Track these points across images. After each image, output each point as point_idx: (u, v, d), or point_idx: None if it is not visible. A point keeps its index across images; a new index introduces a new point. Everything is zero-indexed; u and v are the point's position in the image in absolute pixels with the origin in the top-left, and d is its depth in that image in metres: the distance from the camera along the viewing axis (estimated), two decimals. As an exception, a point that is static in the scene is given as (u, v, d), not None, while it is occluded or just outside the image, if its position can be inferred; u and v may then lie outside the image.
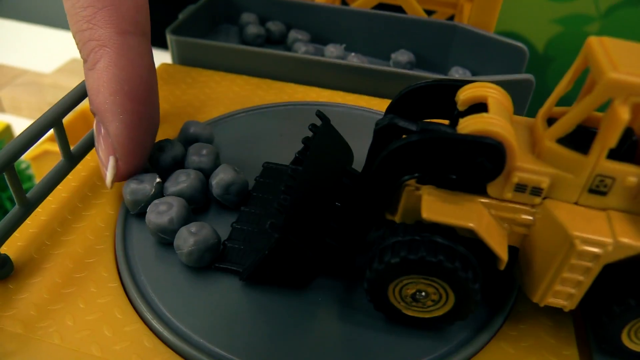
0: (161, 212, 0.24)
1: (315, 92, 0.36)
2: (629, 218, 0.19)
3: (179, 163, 0.27)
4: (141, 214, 0.26)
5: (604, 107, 0.18)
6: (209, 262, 0.23)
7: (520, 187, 0.20)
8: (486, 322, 0.22)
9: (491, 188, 0.20)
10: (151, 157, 0.27)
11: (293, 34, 0.42)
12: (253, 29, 0.41)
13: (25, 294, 0.22)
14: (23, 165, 0.50)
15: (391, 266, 0.20)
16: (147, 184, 0.25)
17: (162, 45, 0.38)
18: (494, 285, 0.23)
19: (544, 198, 0.20)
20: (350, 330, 0.22)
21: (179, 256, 0.23)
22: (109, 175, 0.25)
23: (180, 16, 0.40)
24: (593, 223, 0.19)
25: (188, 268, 0.24)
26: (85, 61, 0.24)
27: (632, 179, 0.18)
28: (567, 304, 0.20)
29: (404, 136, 0.20)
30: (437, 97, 0.22)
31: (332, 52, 0.40)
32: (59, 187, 0.27)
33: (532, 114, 0.23)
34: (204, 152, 0.27)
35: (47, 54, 0.71)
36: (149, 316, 0.21)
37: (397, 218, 0.21)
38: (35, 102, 0.65)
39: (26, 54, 0.71)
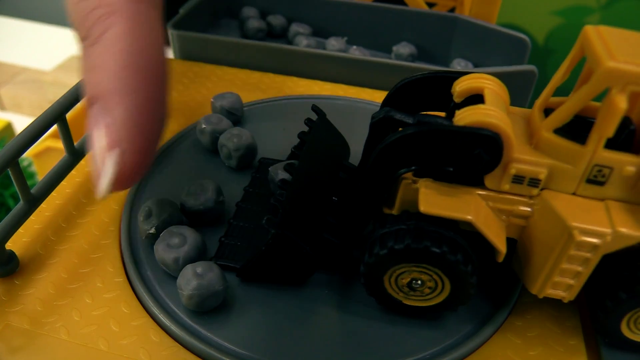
0: (170, 247, 0.22)
1: (318, 85, 0.36)
2: (628, 208, 0.19)
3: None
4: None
5: (601, 96, 0.18)
6: (211, 309, 0.22)
7: (518, 179, 0.19)
8: (492, 313, 0.22)
9: (489, 180, 0.20)
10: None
11: (294, 28, 0.42)
12: (254, 23, 0.41)
13: (32, 290, 0.22)
14: (25, 163, 0.50)
15: (381, 257, 0.20)
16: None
17: (167, 42, 0.38)
18: (499, 277, 0.23)
19: (542, 189, 0.20)
20: (354, 324, 0.22)
21: (179, 295, 0.21)
22: (107, 174, 0.19)
23: (181, 11, 0.40)
24: (591, 213, 0.19)
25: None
26: (85, 37, 0.20)
27: (630, 169, 0.18)
28: (567, 295, 0.20)
29: (400, 129, 0.20)
30: (433, 89, 0.22)
31: (334, 45, 0.40)
32: (63, 182, 0.27)
33: (535, 105, 0.23)
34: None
35: (47, 51, 0.71)
36: (155, 310, 0.22)
37: (394, 211, 0.21)
38: (36, 100, 0.65)
39: (26, 51, 0.71)
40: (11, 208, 0.50)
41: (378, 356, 0.21)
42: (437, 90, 0.22)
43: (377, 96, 0.35)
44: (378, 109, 0.22)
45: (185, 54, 0.38)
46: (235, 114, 0.31)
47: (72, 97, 0.25)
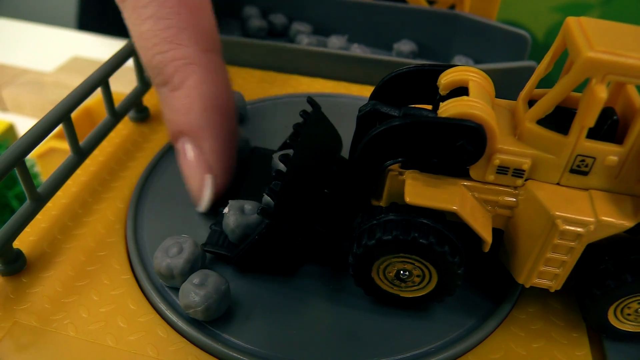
0: (167, 255, 0.22)
1: (320, 83, 0.37)
2: (611, 197, 0.19)
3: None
4: (156, 210, 0.26)
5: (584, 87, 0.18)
6: (225, 310, 0.21)
7: (502, 169, 0.20)
8: (495, 306, 0.22)
9: (474, 171, 0.20)
10: None
11: (295, 26, 0.42)
12: (255, 22, 0.41)
13: (39, 288, 0.23)
14: (28, 164, 0.51)
15: (369, 248, 0.20)
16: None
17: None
18: (502, 271, 0.23)
19: (526, 179, 0.20)
20: (351, 317, 0.22)
21: (191, 315, 0.21)
22: (206, 194, 0.24)
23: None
24: (575, 203, 0.19)
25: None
26: (166, 83, 0.24)
27: (613, 158, 0.19)
28: (553, 284, 0.21)
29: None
30: (419, 83, 0.22)
31: (335, 43, 0.40)
32: (68, 182, 0.27)
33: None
34: None
35: (48, 52, 0.71)
36: (162, 307, 0.22)
37: (382, 203, 0.22)
38: (37, 101, 0.65)
39: (27, 53, 0.71)
40: (15, 209, 0.50)
41: (383, 350, 0.21)
42: (423, 83, 0.22)
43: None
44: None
45: (188, 54, 0.39)
46: (239, 112, 0.31)
47: (77, 97, 0.26)
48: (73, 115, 0.25)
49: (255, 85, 0.36)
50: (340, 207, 0.23)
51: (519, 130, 0.20)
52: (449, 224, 0.20)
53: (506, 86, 0.25)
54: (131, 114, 0.32)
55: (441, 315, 0.22)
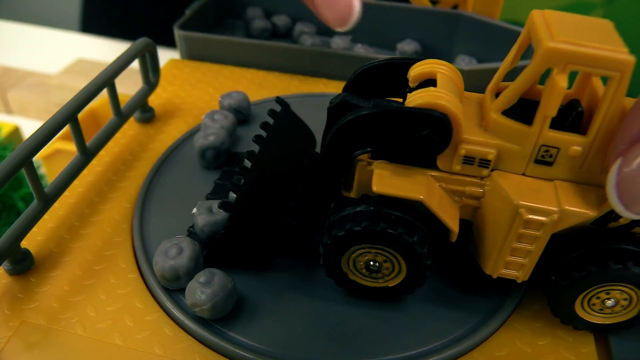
0: (168, 257, 0.22)
1: (323, 83, 0.37)
2: (575, 187, 0.19)
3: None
4: (160, 207, 0.26)
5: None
6: (231, 308, 0.22)
7: (468, 160, 0.20)
8: (500, 304, 0.22)
9: (441, 161, 0.20)
10: None
11: (299, 27, 0.42)
12: (259, 23, 0.42)
13: (47, 287, 0.23)
14: (34, 165, 0.51)
15: (339, 239, 0.20)
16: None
17: (171, 43, 0.39)
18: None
19: (492, 170, 0.20)
20: (366, 317, 0.22)
21: (198, 314, 0.21)
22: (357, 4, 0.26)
23: (187, 12, 0.40)
24: (539, 193, 0.19)
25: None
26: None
27: (576, 148, 0.19)
28: (520, 275, 0.21)
29: None
30: (390, 76, 0.22)
31: (339, 43, 0.40)
32: (75, 182, 0.27)
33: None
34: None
35: (53, 55, 0.71)
36: (169, 305, 0.22)
37: (353, 194, 0.22)
38: (42, 103, 0.65)
39: (32, 55, 0.72)
40: (21, 210, 0.50)
41: (389, 348, 0.21)
42: (394, 76, 0.22)
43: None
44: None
45: (192, 55, 0.39)
46: (243, 112, 0.32)
47: (84, 98, 0.26)
48: (78, 117, 0.26)
49: (259, 85, 0.36)
50: (311, 198, 0.23)
51: (485, 121, 0.20)
52: (420, 216, 0.20)
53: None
54: (137, 114, 0.32)
55: (446, 313, 0.22)
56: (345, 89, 0.23)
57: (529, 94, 0.20)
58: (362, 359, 0.20)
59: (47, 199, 0.24)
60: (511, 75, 0.22)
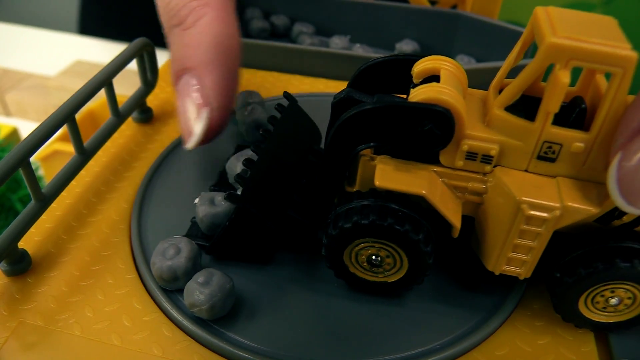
0: (166, 258, 0.22)
1: (323, 83, 0.37)
2: (578, 184, 0.19)
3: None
4: (158, 205, 0.26)
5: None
6: (230, 309, 0.21)
7: (471, 155, 0.20)
8: (500, 303, 0.22)
9: (443, 156, 0.20)
10: None
11: (297, 27, 0.42)
12: (258, 23, 0.42)
13: (44, 287, 0.23)
14: (32, 167, 0.51)
15: (345, 230, 0.20)
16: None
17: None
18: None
19: (495, 166, 0.20)
20: (365, 317, 0.22)
21: (196, 314, 0.21)
22: (199, 127, 0.24)
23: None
24: (542, 189, 0.19)
25: (203, 258, 0.24)
26: (179, 24, 0.25)
27: (579, 145, 0.19)
28: (522, 272, 0.21)
29: None
30: (394, 73, 0.23)
31: (337, 43, 0.40)
32: (72, 182, 0.27)
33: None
34: None
35: (51, 57, 0.71)
36: (167, 306, 0.22)
37: (355, 189, 0.22)
38: (41, 105, 0.65)
39: (30, 57, 0.71)
40: (19, 212, 0.50)
41: (389, 347, 0.21)
42: (398, 73, 0.22)
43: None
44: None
45: (190, 55, 0.39)
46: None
47: (81, 98, 0.26)
48: (77, 118, 0.25)
49: (257, 85, 0.36)
50: (315, 193, 0.23)
51: (488, 117, 0.20)
52: (414, 205, 0.20)
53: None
54: (135, 115, 0.32)
55: (446, 312, 0.22)
56: (349, 85, 0.23)
57: (532, 91, 0.20)
58: (363, 357, 0.20)
59: (45, 200, 0.24)
60: (513, 73, 0.22)
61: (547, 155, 0.19)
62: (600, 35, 0.17)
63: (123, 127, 0.31)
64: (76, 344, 0.21)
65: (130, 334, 0.21)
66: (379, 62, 0.22)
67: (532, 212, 0.19)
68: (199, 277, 0.21)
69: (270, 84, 0.36)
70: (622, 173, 0.17)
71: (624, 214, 0.19)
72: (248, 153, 0.26)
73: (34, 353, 0.21)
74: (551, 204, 0.19)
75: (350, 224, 0.20)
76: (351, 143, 0.21)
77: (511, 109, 0.20)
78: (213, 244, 0.23)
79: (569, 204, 0.19)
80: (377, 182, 0.20)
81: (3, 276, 0.23)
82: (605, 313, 0.21)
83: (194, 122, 0.24)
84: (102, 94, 0.28)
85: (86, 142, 0.27)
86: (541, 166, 0.20)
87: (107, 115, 0.29)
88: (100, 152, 0.29)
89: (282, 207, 0.23)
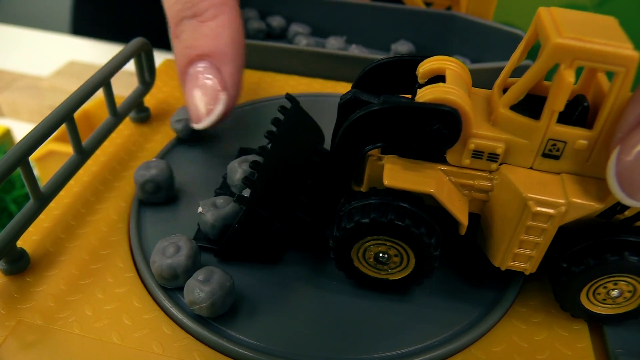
0: (166, 256, 0.22)
1: (319, 83, 0.37)
2: (582, 180, 0.20)
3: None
4: (155, 206, 0.26)
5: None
6: (230, 307, 0.21)
7: (477, 154, 0.20)
8: (497, 300, 0.23)
9: (450, 155, 0.21)
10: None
11: (294, 28, 0.42)
12: (254, 24, 0.42)
13: (43, 286, 0.23)
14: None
15: (348, 231, 0.21)
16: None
17: (162, 45, 0.39)
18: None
19: (501, 164, 0.21)
20: (363, 314, 0.22)
21: (196, 312, 0.21)
22: (218, 109, 0.26)
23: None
24: (547, 186, 0.20)
25: (202, 256, 0.24)
26: (196, 15, 0.27)
27: (582, 142, 0.19)
28: (528, 267, 0.21)
29: None
30: (399, 73, 0.23)
31: (333, 44, 0.40)
32: (70, 182, 0.27)
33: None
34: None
35: (44, 57, 0.71)
36: (167, 304, 0.22)
37: (363, 188, 0.22)
38: (34, 106, 0.65)
39: (23, 58, 0.71)
40: (13, 213, 0.50)
41: (390, 343, 0.21)
42: (403, 73, 0.23)
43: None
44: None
45: (187, 55, 0.39)
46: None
47: (80, 97, 0.26)
48: (77, 114, 0.25)
49: (255, 85, 0.36)
50: (321, 193, 0.23)
51: (494, 116, 0.20)
52: (427, 208, 0.21)
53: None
54: (132, 114, 0.32)
55: (446, 307, 0.22)
56: (354, 86, 0.23)
57: (535, 90, 0.21)
58: (363, 354, 0.20)
59: (43, 198, 0.24)
60: (515, 72, 0.22)
61: (551, 152, 0.20)
62: (603, 35, 0.18)
63: (121, 126, 0.31)
64: (76, 343, 0.21)
65: (130, 332, 0.21)
66: (383, 63, 0.23)
67: (539, 209, 0.19)
68: (199, 274, 0.21)
69: (267, 84, 0.37)
70: (621, 167, 0.18)
71: (626, 208, 0.20)
72: (249, 158, 0.26)
73: (33, 352, 0.20)
74: (557, 200, 0.19)
75: (353, 224, 0.20)
76: (359, 143, 0.21)
77: (515, 107, 0.20)
78: (222, 246, 0.23)
79: (574, 200, 0.19)
80: (386, 182, 0.20)
81: (1, 275, 0.23)
82: (605, 305, 0.21)
83: (211, 105, 0.26)
84: (97, 93, 0.28)
85: (84, 141, 0.27)
86: (546, 163, 0.20)
87: (102, 115, 0.29)
88: (98, 152, 0.29)
89: (289, 208, 0.23)
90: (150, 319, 0.22)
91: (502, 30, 0.38)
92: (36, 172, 0.48)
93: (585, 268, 0.20)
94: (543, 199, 0.19)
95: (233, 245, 0.23)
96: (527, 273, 0.21)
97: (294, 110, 0.26)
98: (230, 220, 0.24)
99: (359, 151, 0.21)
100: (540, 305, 0.23)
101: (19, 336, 0.21)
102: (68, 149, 0.44)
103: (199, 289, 0.21)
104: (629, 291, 0.21)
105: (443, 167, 0.21)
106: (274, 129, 0.24)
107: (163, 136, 0.32)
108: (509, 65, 0.21)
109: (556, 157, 0.20)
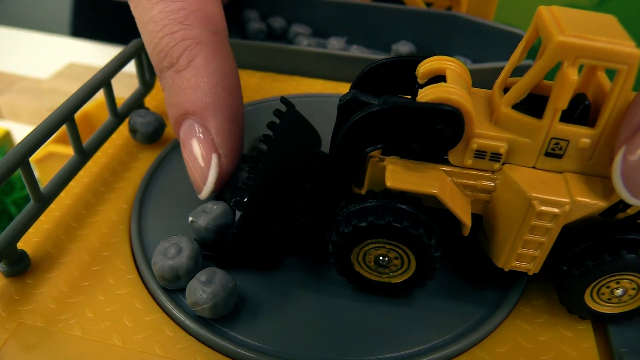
0: (167, 257, 0.22)
1: (320, 84, 0.37)
2: (585, 179, 0.20)
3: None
4: (160, 205, 0.26)
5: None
6: (232, 308, 0.21)
7: (480, 154, 0.20)
8: (501, 301, 0.23)
9: (452, 156, 0.21)
10: None
11: (294, 29, 0.42)
12: (255, 25, 0.42)
13: (44, 288, 0.23)
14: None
15: (347, 235, 0.20)
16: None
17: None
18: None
19: (503, 163, 0.20)
20: (365, 315, 0.22)
21: (198, 313, 0.21)
22: (212, 175, 0.23)
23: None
24: (551, 185, 0.20)
25: (209, 254, 0.24)
26: (171, 65, 0.24)
27: (585, 140, 0.19)
28: (531, 267, 0.21)
29: None
30: (399, 73, 0.23)
31: (334, 45, 0.40)
32: (71, 183, 0.27)
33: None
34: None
35: (44, 59, 0.71)
36: (169, 305, 0.22)
37: (364, 191, 0.22)
38: (34, 108, 0.65)
39: (23, 60, 0.71)
40: (13, 215, 0.50)
41: (393, 345, 0.21)
42: (402, 74, 0.23)
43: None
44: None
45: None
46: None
47: (80, 98, 0.26)
48: (77, 115, 0.25)
49: (255, 86, 0.36)
50: (321, 196, 0.23)
51: (495, 115, 0.20)
52: (426, 209, 0.20)
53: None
54: (133, 115, 0.32)
55: (449, 309, 0.22)
56: (353, 87, 0.23)
57: (535, 89, 0.21)
58: (366, 355, 0.20)
59: (44, 200, 0.24)
60: (515, 72, 0.22)
61: (554, 151, 0.20)
62: (604, 33, 0.18)
63: (121, 127, 0.31)
64: (77, 345, 0.21)
65: (131, 334, 0.21)
66: (382, 63, 0.23)
67: (543, 208, 0.19)
68: (202, 275, 0.21)
69: (268, 85, 0.36)
70: (626, 166, 0.18)
71: (628, 206, 0.20)
72: (244, 167, 0.26)
73: (35, 354, 0.20)
74: (561, 199, 0.19)
75: (351, 228, 0.20)
76: (360, 145, 0.21)
77: (516, 107, 0.20)
78: (221, 253, 0.23)
79: (578, 198, 0.19)
80: (389, 183, 0.20)
81: (2, 277, 0.23)
82: (610, 304, 0.21)
83: (204, 171, 0.23)
84: (97, 95, 0.28)
85: (84, 142, 0.27)
86: (549, 162, 0.20)
87: (101, 116, 0.29)
88: (98, 153, 0.29)
89: (287, 211, 0.23)
90: (151, 321, 0.21)
91: (503, 30, 0.38)
92: (36, 173, 0.48)
93: (585, 270, 0.20)
94: (547, 198, 0.19)
95: (232, 251, 0.23)
96: (530, 273, 0.21)
97: (289, 114, 0.26)
98: (221, 220, 0.23)
99: (359, 153, 0.21)
100: (544, 305, 0.23)
101: (20, 338, 0.21)
102: (68, 151, 0.44)
103: (201, 290, 0.20)
104: (633, 289, 0.21)
105: (445, 168, 0.21)
106: (270, 132, 0.24)
107: (163, 137, 0.31)
108: (509, 65, 0.21)
109: (559, 156, 0.20)
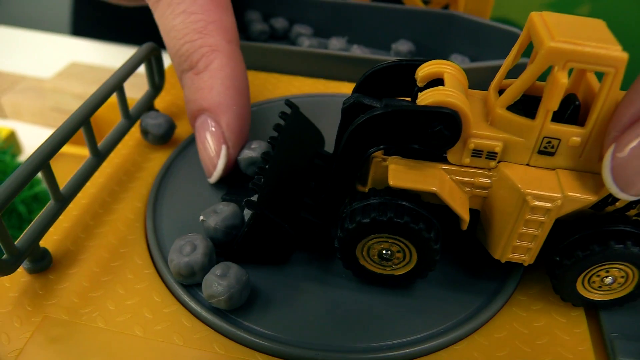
0: (183, 254, 0.23)
1: (323, 83, 0.38)
2: (576, 175, 0.21)
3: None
4: (173, 204, 0.28)
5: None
6: (246, 300, 0.23)
7: (477, 153, 0.21)
8: (499, 289, 0.24)
9: (451, 155, 0.22)
10: None
11: (296, 29, 0.43)
12: (257, 26, 0.43)
13: (66, 284, 0.24)
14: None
15: (351, 231, 0.22)
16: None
17: (162, 45, 0.39)
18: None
19: (499, 161, 0.22)
20: (366, 303, 0.23)
21: (214, 305, 0.22)
22: (221, 163, 0.27)
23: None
24: (543, 181, 0.21)
25: (218, 252, 0.25)
26: (192, 67, 0.28)
27: (576, 139, 0.20)
28: (526, 258, 0.22)
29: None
30: (398, 77, 0.24)
31: (335, 45, 0.41)
32: (86, 184, 0.28)
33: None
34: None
35: (46, 59, 0.71)
36: (186, 298, 0.23)
37: (367, 189, 0.23)
38: (37, 107, 0.65)
39: (25, 59, 0.72)
40: (22, 214, 0.51)
41: (397, 332, 0.22)
42: (402, 77, 0.24)
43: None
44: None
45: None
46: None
47: (96, 102, 0.27)
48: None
49: (260, 86, 0.37)
50: (326, 195, 0.24)
51: (491, 116, 0.22)
52: (425, 205, 0.22)
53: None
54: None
55: (449, 298, 0.23)
56: (356, 90, 0.24)
57: (529, 90, 0.22)
58: (372, 342, 0.22)
59: (63, 200, 0.25)
60: (510, 73, 0.23)
61: (546, 149, 0.21)
62: (592, 37, 0.19)
63: (133, 129, 0.32)
64: (100, 336, 0.22)
65: (151, 325, 0.22)
66: (383, 67, 0.24)
67: (537, 203, 0.20)
68: (217, 269, 0.22)
69: (272, 86, 0.38)
70: (616, 163, 0.19)
71: (616, 200, 0.21)
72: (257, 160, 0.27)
73: (60, 345, 0.22)
74: (553, 194, 0.20)
75: (355, 224, 0.21)
76: (364, 146, 0.22)
77: (511, 107, 0.21)
78: (233, 250, 0.24)
79: (570, 193, 0.20)
80: (391, 182, 0.21)
81: (25, 274, 0.24)
82: (601, 292, 0.23)
83: (215, 159, 0.27)
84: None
85: (99, 144, 0.28)
86: (541, 160, 0.21)
87: (107, 118, 0.30)
88: (111, 154, 0.30)
89: (295, 209, 0.24)
90: (170, 313, 0.23)
91: (500, 28, 0.39)
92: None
93: (576, 260, 0.21)
94: (540, 193, 0.20)
95: (244, 248, 0.24)
96: (525, 264, 0.22)
97: (294, 116, 0.27)
98: (230, 221, 0.24)
99: (363, 153, 0.22)
100: (539, 293, 0.24)
101: (45, 331, 0.22)
102: (76, 151, 0.45)
103: (217, 283, 0.22)
104: (622, 277, 0.22)
105: (444, 167, 0.22)
106: (275, 134, 0.25)
107: (174, 137, 0.32)
108: (503, 67, 0.22)
109: (551, 154, 0.21)
